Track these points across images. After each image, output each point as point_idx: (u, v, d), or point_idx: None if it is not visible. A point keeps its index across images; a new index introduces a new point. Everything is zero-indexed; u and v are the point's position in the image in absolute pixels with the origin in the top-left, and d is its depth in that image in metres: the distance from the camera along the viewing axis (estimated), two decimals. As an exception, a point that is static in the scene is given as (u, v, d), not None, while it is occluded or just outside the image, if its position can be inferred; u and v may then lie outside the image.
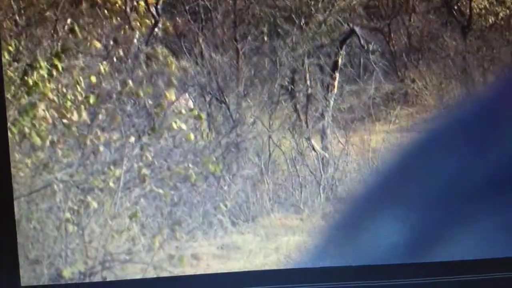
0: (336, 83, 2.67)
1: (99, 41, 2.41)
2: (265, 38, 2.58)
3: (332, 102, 2.67)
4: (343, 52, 2.66)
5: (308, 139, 2.64)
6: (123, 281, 2.05)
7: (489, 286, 1.60)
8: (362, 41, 2.68)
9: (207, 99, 2.57)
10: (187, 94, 2.55)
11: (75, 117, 2.39)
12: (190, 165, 2.55)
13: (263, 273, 1.83)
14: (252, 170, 2.61)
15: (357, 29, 2.69)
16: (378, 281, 1.57)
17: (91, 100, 2.41)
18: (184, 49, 2.53)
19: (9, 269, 1.56)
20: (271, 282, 1.63)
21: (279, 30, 2.59)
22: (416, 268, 1.57)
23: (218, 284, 1.70)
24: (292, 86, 2.62)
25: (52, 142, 2.37)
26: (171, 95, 2.51)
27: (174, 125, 2.52)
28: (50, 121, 2.37)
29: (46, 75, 2.34)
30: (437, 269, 1.58)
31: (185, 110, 2.55)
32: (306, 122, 2.64)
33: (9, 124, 2.30)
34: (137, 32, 2.46)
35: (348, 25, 2.66)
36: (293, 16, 2.60)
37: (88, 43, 2.39)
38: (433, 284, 1.59)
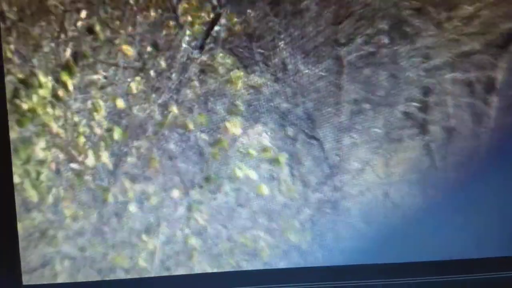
0: (492, 112, 1.75)
1: (130, 45, 1.64)
2: (384, 41, 1.71)
3: (486, 140, 1.74)
4: (503, 63, 1.73)
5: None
6: (125, 280, 1.45)
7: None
8: (534, 46, 1.74)
9: (291, 133, 1.73)
10: (260, 126, 1.72)
11: (90, 160, 1.62)
12: (262, 234, 1.72)
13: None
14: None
15: (526, 26, 1.75)
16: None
17: (116, 135, 1.63)
18: (258, 57, 1.71)
19: (10, 268, 1.52)
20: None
21: (405, 28, 1.69)
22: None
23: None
24: (424, 115, 1.74)
25: (55, 199, 1.62)
26: (235, 127, 1.70)
27: (239, 173, 1.66)
28: (53, 166, 1.62)
29: (48, 97, 1.60)
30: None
31: (256, 150, 1.73)
32: (445, 171, 1.73)
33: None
34: (187, 32, 1.67)
35: (513, 20, 1.72)
36: (428, 7, 1.71)
37: (114, 48, 1.62)
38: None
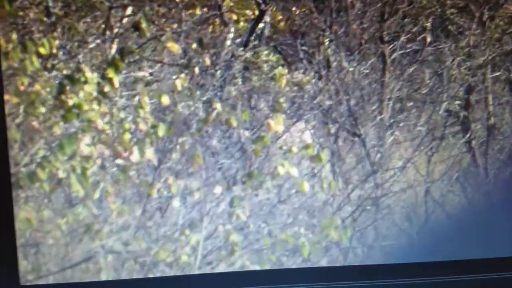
0: None
1: (176, 42, 1.63)
2: (428, 39, 1.67)
3: None
4: None
5: (488, 194, 1.73)
6: (127, 280, 1.44)
7: None
8: None
9: (333, 130, 1.69)
10: (302, 123, 1.71)
11: (135, 156, 1.61)
12: (303, 231, 1.71)
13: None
14: (398, 241, 1.73)
15: None
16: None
17: (161, 131, 1.61)
18: (302, 54, 1.67)
19: (8, 268, 1.49)
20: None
21: (449, 26, 1.67)
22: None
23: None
24: (466, 113, 1.70)
25: (100, 193, 1.62)
26: (278, 124, 1.67)
27: (281, 170, 1.61)
28: (99, 161, 1.61)
29: (94, 93, 1.59)
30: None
31: (299, 147, 1.71)
32: (486, 169, 1.72)
33: (33, 164, 1.55)
34: (232, 29, 1.66)
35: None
36: (471, 5, 1.69)
37: (160, 45, 1.61)
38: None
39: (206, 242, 1.61)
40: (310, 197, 1.65)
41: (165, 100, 1.53)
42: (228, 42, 1.56)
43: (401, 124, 1.63)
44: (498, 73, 1.64)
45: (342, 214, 1.65)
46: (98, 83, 1.50)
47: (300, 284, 1.59)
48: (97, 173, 1.52)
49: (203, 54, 1.52)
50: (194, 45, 1.52)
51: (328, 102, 1.63)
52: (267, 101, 1.59)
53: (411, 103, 1.63)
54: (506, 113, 1.65)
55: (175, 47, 1.49)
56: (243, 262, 1.62)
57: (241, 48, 1.57)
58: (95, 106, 1.50)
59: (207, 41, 1.54)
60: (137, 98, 1.52)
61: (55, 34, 1.47)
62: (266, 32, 1.59)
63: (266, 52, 1.57)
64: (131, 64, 1.52)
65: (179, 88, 1.53)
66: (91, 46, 1.50)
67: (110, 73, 1.50)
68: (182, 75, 1.52)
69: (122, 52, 1.50)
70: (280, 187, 1.63)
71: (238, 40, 1.56)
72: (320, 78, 1.62)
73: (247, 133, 1.58)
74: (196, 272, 1.63)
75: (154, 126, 1.53)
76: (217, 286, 1.59)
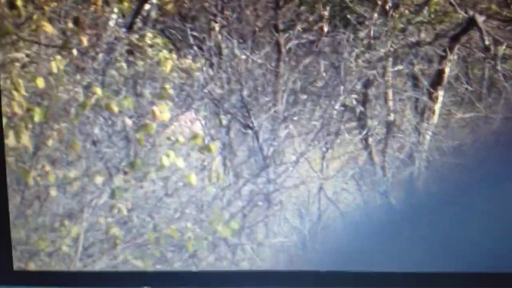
0: (438, 107, 1.56)
1: (51, 22, 1.46)
2: (325, 28, 1.51)
3: (428, 137, 1.57)
4: (453, 56, 1.54)
5: (384, 194, 1.57)
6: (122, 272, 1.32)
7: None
8: (487, 40, 1.54)
9: (224, 121, 1.49)
10: (192, 112, 1.55)
11: (9, 141, 1.46)
12: (189, 225, 1.55)
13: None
14: (290, 238, 1.58)
15: (480, 19, 1.56)
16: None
17: (36, 116, 1.41)
18: (191, 40, 1.50)
19: (1, 253, 1.39)
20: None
21: (348, 15, 1.51)
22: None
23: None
24: (363, 108, 1.50)
25: None
26: (163, 112, 1.47)
27: (166, 160, 1.43)
28: None
29: None
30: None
31: (186, 136, 1.56)
32: (383, 168, 1.56)
33: None
34: (115, 9, 1.47)
35: (465, 11, 1.53)
36: None
37: (34, 25, 1.43)
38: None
39: (86, 235, 1.47)
40: (199, 191, 1.50)
41: (41, 83, 1.38)
42: (111, 23, 1.40)
43: (295, 118, 1.45)
44: (400, 67, 1.48)
45: (232, 209, 1.51)
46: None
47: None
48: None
49: (83, 35, 1.37)
50: (71, 25, 1.37)
51: (219, 91, 1.46)
52: (153, 87, 1.43)
53: (306, 96, 1.46)
54: (408, 110, 1.49)
55: (48, 27, 1.33)
56: (125, 258, 1.48)
57: (125, 30, 1.42)
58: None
59: (87, 21, 1.38)
60: (11, 80, 1.38)
61: None
62: (153, 14, 1.43)
63: (151, 35, 1.42)
64: (7, 44, 1.37)
65: (56, 71, 1.38)
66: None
67: (-20, 53, 1.35)
68: (59, 57, 1.37)
69: (-7, 31, 1.36)
70: (166, 180, 1.48)
71: (121, 21, 1.41)
72: (211, 65, 1.46)
73: (129, 121, 1.43)
74: (77, 264, 1.49)
75: (29, 110, 1.38)
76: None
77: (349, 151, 1.46)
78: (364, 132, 1.46)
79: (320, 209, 1.47)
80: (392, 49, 1.45)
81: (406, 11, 1.47)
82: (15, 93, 1.35)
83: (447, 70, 1.48)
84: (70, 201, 1.43)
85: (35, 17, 1.36)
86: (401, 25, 1.46)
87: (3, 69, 1.37)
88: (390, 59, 1.45)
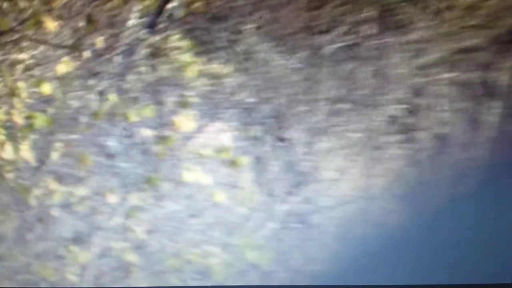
0: (492, 118, 1.41)
1: (62, 19, 1.28)
2: (369, 31, 1.36)
3: (483, 152, 1.41)
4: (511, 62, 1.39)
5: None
6: None
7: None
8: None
9: (256, 133, 1.36)
10: (219, 123, 1.39)
11: (7, 154, 1.27)
12: (216, 250, 1.38)
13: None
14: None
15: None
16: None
17: (38, 122, 1.21)
18: (221, 42, 1.36)
19: None
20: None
21: (395, 16, 1.36)
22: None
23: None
24: (412, 119, 1.40)
25: None
26: (187, 122, 1.33)
27: (189, 176, 1.26)
28: None
29: None
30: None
31: (212, 150, 1.39)
32: (433, 187, 1.39)
33: None
34: (135, 7, 1.31)
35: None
36: None
37: (35, 20, 1.23)
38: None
39: (97, 262, 1.29)
40: (226, 211, 1.33)
41: (47, 88, 1.21)
42: (131, 22, 1.24)
43: (336, 130, 1.31)
44: (452, 74, 1.34)
45: (264, 232, 1.34)
46: (-36, 64, 1.18)
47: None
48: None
49: (96, 35, 1.20)
50: (82, 23, 1.19)
51: (250, 100, 1.31)
52: (175, 95, 1.27)
53: (348, 106, 1.31)
54: (460, 121, 1.35)
55: (51, 25, 1.15)
56: (142, 286, 1.30)
57: (147, 30, 1.26)
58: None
59: (102, 20, 1.22)
60: (13, 84, 1.20)
61: None
62: (178, 13, 1.27)
63: (177, 36, 1.26)
64: (6, 44, 1.19)
65: (65, 74, 1.20)
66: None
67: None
68: (67, 59, 1.19)
69: (-8, 28, 1.18)
70: (190, 198, 1.30)
71: (142, 21, 1.24)
72: (242, 71, 1.30)
73: (149, 131, 1.26)
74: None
75: (30, 117, 1.19)
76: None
77: (395, 168, 1.32)
78: (413, 146, 1.32)
79: (363, 233, 1.33)
80: (443, 55, 1.32)
81: (458, 11, 1.34)
82: (14, 99, 1.18)
83: (503, 77, 1.36)
84: (78, 223, 1.26)
85: (31, 11, 1.18)
86: (454, 28, 1.33)
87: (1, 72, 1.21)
88: (441, 65, 1.33)
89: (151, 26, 1.23)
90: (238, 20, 1.26)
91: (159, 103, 1.25)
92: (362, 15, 1.26)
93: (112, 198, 1.24)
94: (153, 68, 1.24)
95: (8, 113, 1.17)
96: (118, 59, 1.22)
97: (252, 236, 1.31)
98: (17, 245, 1.25)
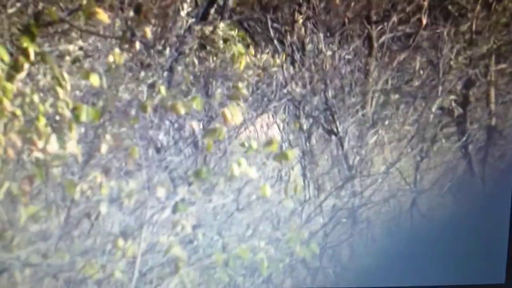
0: None
1: (110, 9, 1.25)
2: (424, 20, 1.33)
3: None
4: None
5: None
6: None
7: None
8: None
9: (305, 125, 1.29)
10: (268, 115, 1.36)
11: (52, 146, 1.25)
12: (263, 244, 1.35)
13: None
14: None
15: None
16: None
17: (83, 116, 1.14)
18: (271, 32, 1.32)
19: None
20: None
21: (449, 6, 1.33)
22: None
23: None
24: (463, 111, 1.37)
25: (9, 193, 1.25)
26: (236, 114, 1.23)
27: (237, 170, 1.19)
28: (11, 154, 1.24)
29: (3, 68, 1.21)
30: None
31: (261, 142, 1.35)
32: (483, 179, 1.35)
33: None
34: None
35: None
36: None
37: (87, 12, 1.22)
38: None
39: (144, 257, 1.27)
40: (274, 205, 1.31)
41: (95, 80, 1.16)
42: (182, 13, 1.20)
43: (386, 122, 1.28)
44: (503, 66, 1.32)
45: (312, 226, 1.32)
46: (10, 56, 1.14)
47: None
48: (6, 169, 1.16)
49: (146, 25, 1.16)
50: (132, 13, 1.15)
51: (300, 92, 1.27)
52: (224, 86, 1.24)
53: (399, 97, 1.29)
54: (510, 113, 1.33)
55: (102, 16, 1.11)
56: (189, 282, 1.28)
57: (197, 21, 1.22)
58: (6, 85, 1.14)
59: (152, 10, 1.18)
60: (58, 75, 1.16)
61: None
62: (230, 3, 1.23)
63: (226, 25, 1.22)
64: (53, 35, 1.15)
65: (113, 66, 1.16)
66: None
67: (25, 43, 1.13)
68: (117, 51, 1.15)
69: (39, 17, 1.13)
70: (238, 192, 1.28)
71: (193, 12, 1.19)
72: (292, 62, 1.27)
73: (197, 124, 1.23)
74: (132, 291, 1.28)
75: (76, 109, 1.15)
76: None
77: (446, 160, 1.30)
78: (464, 138, 1.30)
79: (413, 227, 1.31)
80: (495, 46, 1.30)
81: (510, 4, 1.31)
82: (61, 91, 1.14)
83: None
84: (127, 217, 1.23)
85: (82, 1, 1.15)
86: (504, 19, 1.30)
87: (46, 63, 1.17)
88: (493, 56, 1.30)
89: (202, 17, 1.20)
90: (289, 10, 1.23)
91: (208, 95, 1.22)
92: (414, 5, 1.24)
93: (161, 192, 1.22)
94: (203, 59, 1.21)
95: (54, 105, 1.14)
96: (168, 50, 1.19)
97: (300, 231, 1.29)
98: (63, 241, 1.22)
